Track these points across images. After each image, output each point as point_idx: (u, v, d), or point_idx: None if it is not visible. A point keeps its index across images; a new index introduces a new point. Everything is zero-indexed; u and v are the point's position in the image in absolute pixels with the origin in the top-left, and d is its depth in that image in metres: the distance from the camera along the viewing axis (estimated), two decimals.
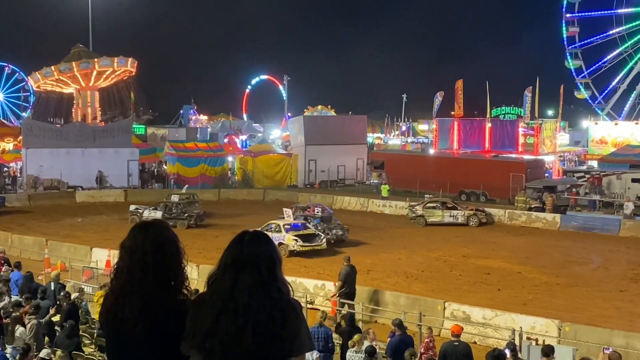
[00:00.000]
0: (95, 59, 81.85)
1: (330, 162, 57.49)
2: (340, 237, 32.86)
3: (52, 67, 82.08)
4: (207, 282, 2.89)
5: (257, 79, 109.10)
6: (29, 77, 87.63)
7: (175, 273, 3.17)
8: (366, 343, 13.12)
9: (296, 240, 29.43)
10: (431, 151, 63.24)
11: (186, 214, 37.83)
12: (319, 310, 20.70)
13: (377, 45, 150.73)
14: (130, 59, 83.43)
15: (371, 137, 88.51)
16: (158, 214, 36.71)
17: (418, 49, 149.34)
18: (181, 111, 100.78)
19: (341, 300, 19.63)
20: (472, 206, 41.81)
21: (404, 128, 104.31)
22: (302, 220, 32.44)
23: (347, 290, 20.01)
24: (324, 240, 30.28)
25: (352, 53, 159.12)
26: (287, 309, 2.80)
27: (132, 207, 39.10)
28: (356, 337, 13.34)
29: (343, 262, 21.13)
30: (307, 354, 3.05)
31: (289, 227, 30.56)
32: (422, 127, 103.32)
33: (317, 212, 34.91)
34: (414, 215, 39.63)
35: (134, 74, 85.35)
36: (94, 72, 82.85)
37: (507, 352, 12.88)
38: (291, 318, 2.79)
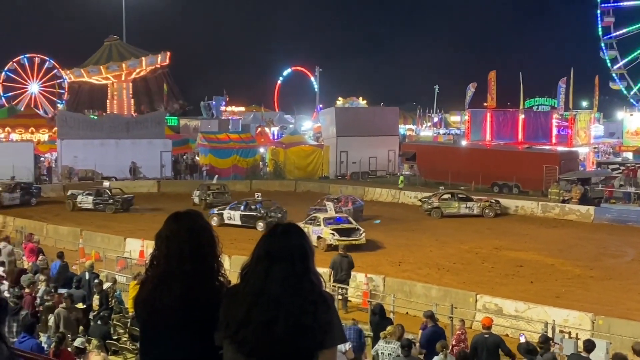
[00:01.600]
0: (123, 63, 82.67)
1: (362, 154, 57.35)
2: (279, 220, 33.44)
3: (82, 70, 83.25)
4: (241, 274, 2.91)
5: (288, 70, 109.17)
6: (66, 71, 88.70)
7: (211, 260, 3.23)
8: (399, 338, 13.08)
9: (333, 234, 29.05)
10: (463, 143, 62.79)
11: (112, 200, 40.39)
12: (350, 301, 20.87)
13: (409, 36, 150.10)
14: (160, 55, 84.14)
15: (403, 129, 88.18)
16: (90, 199, 40.47)
17: (451, 39, 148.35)
18: (214, 102, 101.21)
19: (337, 286, 19.96)
20: (486, 197, 41.48)
21: (436, 119, 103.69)
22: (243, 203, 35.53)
23: (337, 277, 20.34)
24: (363, 234, 29.79)
25: (385, 44, 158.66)
26: (319, 301, 2.81)
27: (69, 192, 42.36)
28: (390, 328, 13.30)
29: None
30: (340, 346, 3.05)
31: (330, 220, 30.36)
32: (454, 118, 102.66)
33: (349, 203, 34.96)
34: (429, 207, 39.41)
35: (167, 63, 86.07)
36: (124, 73, 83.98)
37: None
38: (323, 310, 2.80)
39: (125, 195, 41.51)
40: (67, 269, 18.57)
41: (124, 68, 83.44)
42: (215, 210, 35.88)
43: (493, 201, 39.95)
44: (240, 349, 2.78)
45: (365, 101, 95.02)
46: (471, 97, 71.27)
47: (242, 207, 35.38)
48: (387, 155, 59.79)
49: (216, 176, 47.27)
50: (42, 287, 15.94)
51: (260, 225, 33.80)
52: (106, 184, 43.50)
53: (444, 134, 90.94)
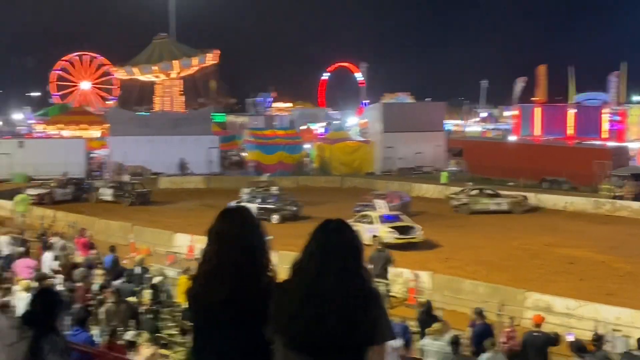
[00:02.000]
0: (176, 61, 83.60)
1: (408, 150, 57.05)
2: (294, 213, 35.24)
3: (133, 68, 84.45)
4: (292, 269, 2.94)
5: (334, 66, 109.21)
6: (115, 67, 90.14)
7: (261, 256, 3.27)
8: (447, 336, 12.99)
9: (392, 232, 28.05)
10: (512, 138, 62.04)
11: (128, 193, 41.76)
12: (397, 297, 20.78)
13: (456, 30, 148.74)
14: (209, 54, 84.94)
15: (449, 124, 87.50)
16: (109, 191, 42.36)
17: (498, 33, 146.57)
18: (259, 99, 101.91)
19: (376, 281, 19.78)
20: (515, 193, 40.85)
21: (483, 115, 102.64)
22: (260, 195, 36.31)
23: (375, 273, 20.03)
24: (420, 232, 28.92)
25: (431, 39, 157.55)
26: (369, 297, 2.83)
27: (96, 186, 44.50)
28: (437, 325, 13.22)
29: None
30: (391, 342, 3.05)
31: (382, 218, 29.52)
32: (502, 113, 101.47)
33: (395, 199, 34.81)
34: (457, 203, 38.96)
35: (216, 62, 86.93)
36: (175, 72, 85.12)
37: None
38: (373, 306, 2.81)
39: (142, 190, 42.90)
40: (117, 263, 18.88)
41: (176, 67, 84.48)
42: (234, 203, 36.02)
43: (522, 197, 39.34)
44: (291, 343, 2.81)
45: (411, 97, 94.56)
46: (520, 91, 70.41)
47: (259, 200, 35.77)
48: (434, 151, 59.39)
49: (267, 174, 47.00)
50: (98, 281, 16.31)
51: (275, 217, 34.38)
52: (126, 177, 45.43)
53: (492, 129, 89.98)
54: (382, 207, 31.52)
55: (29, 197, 34.34)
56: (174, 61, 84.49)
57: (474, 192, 39.58)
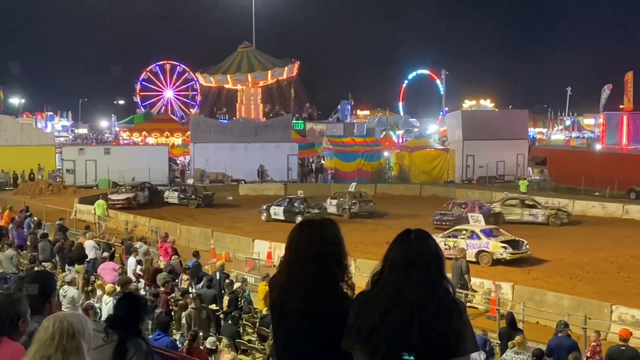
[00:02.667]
0: (249, 74, 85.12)
1: (489, 158, 56.12)
2: (317, 216, 33.91)
3: (212, 77, 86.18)
4: (372, 280, 2.92)
5: (414, 73, 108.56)
6: (197, 75, 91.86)
7: (336, 267, 3.26)
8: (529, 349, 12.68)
9: (505, 247, 26.70)
10: (598, 147, 60.26)
11: (194, 196, 43.43)
12: (477, 309, 20.44)
13: (539, 36, 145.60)
14: (286, 68, 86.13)
15: (533, 132, 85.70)
16: (175, 194, 44.26)
17: (584, 38, 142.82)
18: (339, 106, 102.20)
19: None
20: (555, 205, 39.45)
21: (568, 123, 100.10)
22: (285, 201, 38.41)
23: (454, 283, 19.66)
24: (527, 247, 27.71)
25: (513, 45, 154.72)
26: (453, 308, 2.79)
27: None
28: (518, 338, 12.94)
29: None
30: (474, 355, 2.99)
31: (486, 231, 27.90)
32: (587, 121, 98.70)
33: (475, 209, 34.25)
34: (490, 212, 38.10)
35: (294, 75, 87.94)
36: (250, 83, 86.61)
37: None
38: (457, 317, 2.77)
39: (206, 192, 44.45)
40: (200, 268, 19.21)
41: (249, 79, 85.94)
42: (264, 207, 38.29)
43: (561, 210, 37.90)
44: (372, 354, 2.78)
45: (493, 104, 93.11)
46: (606, 99, 68.32)
47: (285, 204, 37.77)
48: (516, 159, 58.24)
49: (354, 183, 46.07)
50: (184, 286, 16.69)
51: (298, 219, 34.16)
52: (189, 181, 48.04)
53: (577, 137, 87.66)
54: (479, 220, 29.49)
55: (106, 203, 35.25)
56: (247, 74, 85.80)
57: (512, 201, 38.26)
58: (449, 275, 18.23)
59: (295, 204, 37.34)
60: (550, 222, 36.64)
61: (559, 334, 13.72)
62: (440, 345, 2.71)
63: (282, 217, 36.71)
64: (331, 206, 39.66)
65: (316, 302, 3.14)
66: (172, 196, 44.46)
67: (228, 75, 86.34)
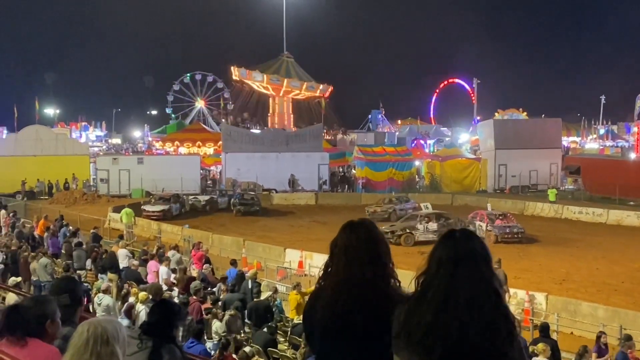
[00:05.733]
0: (285, 79, 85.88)
1: (522, 167, 55.61)
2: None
3: (247, 71, 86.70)
4: (417, 281, 2.87)
5: (445, 82, 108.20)
6: (232, 68, 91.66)
7: (388, 268, 3.31)
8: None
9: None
10: (633, 156, 59.39)
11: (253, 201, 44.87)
12: None
13: (572, 44, 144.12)
14: (321, 86, 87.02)
15: (566, 141, 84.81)
16: (225, 200, 46.56)
17: (618, 47, 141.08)
18: (369, 116, 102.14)
19: None
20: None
21: (602, 131, 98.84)
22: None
23: None
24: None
25: (546, 53, 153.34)
26: (506, 306, 2.76)
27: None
28: (541, 346, 12.77)
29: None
30: None
31: None
32: (622, 130, 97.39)
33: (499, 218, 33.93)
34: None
35: (326, 96, 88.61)
36: (282, 89, 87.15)
37: None
38: (509, 316, 2.74)
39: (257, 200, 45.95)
40: (244, 277, 19.11)
41: (284, 84, 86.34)
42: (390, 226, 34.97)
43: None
44: (426, 356, 2.70)
45: (525, 113, 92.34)
46: None
47: (425, 221, 34.16)
48: (549, 168, 57.65)
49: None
50: (222, 295, 16.79)
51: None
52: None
53: (611, 146, 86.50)
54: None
55: (133, 211, 35.55)
56: (283, 78, 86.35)
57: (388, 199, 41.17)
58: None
59: (442, 221, 33.86)
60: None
61: (598, 344, 13.53)
62: (498, 343, 2.65)
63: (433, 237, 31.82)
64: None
65: (372, 304, 3.19)
66: (223, 202, 46.09)
67: (265, 75, 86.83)
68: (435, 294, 2.75)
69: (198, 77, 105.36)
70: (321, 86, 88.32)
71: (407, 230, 33.35)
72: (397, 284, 3.30)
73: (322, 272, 3.45)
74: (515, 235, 33.52)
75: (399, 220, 36.42)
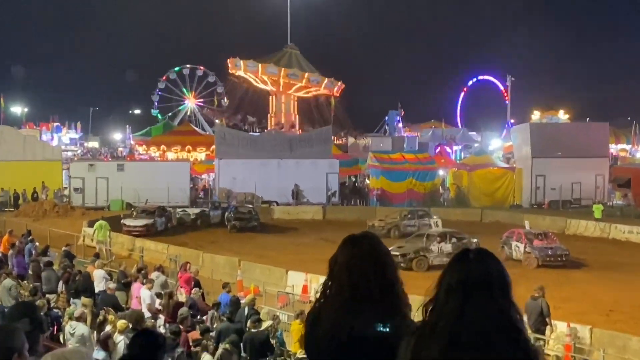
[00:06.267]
0: (283, 69, 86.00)
1: (562, 179, 55.42)
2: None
3: (260, 65, 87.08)
4: (424, 310, 2.88)
5: (474, 80, 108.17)
6: (228, 61, 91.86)
7: (397, 288, 3.37)
8: None
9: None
10: None
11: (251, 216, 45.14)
12: (549, 355, 20.10)
13: (624, 37, 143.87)
14: (326, 81, 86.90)
15: (614, 149, 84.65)
16: (217, 213, 46.56)
17: None
18: (386, 118, 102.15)
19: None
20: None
21: None
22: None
23: (530, 324, 19.10)
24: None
25: (592, 48, 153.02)
26: (526, 341, 2.75)
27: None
28: None
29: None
30: None
31: None
32: None
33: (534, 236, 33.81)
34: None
35: (336, 95, 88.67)
36: (298, 85, 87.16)
37: None
38: (530, 354, 2.72)
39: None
40: (238, 303, 19.07)
41: (281, 75, 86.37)
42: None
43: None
44: None
45: (567, 116, 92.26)
46: None
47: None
48: (595, 180, 57.48)
49: (413, 204, 45.85)
50: (216, 324, 16.79)
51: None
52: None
53: None
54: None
55: (107, 224, 35.61)
56: (280, 67, 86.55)
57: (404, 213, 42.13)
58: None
59: (455, 242, 33.69)
60: None
61: None
62: None
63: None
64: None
65: (379, 328, 3.23)
66: (215, 216, 46.11)
67: (260, 65, 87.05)
68: (443, 326, 2.76)
69: (186, 71, 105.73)
70: (327, 80, 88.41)
71: (420, 253, 32.95)
72: (408, 307, 3.33)
73: (319, 292, 3.47)
74: (559, 258, 33.13)
75: (405, 240, 36.10)
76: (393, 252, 31.02)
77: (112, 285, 20.41)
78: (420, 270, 31.72)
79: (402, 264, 30.86)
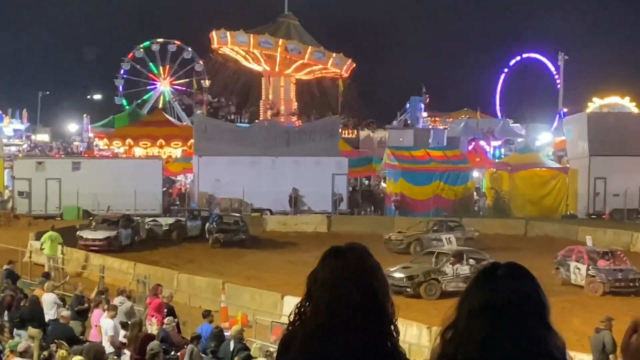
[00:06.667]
0: (280, 39, 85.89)
1: (629, 182, 55.28)
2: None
3: (251, 36, 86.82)
4: (442, 337, 2.89)
5: (517, 58, 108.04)
6: (211, 35, 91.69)
7: (389, 311, 3.32)
8: None
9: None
10: None
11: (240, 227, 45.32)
12: None
13: None
14: (334, 57, 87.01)
15: None
16: (197, 224, 46.83)
17: None
18: (407, 105, 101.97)
19: None
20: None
21: None
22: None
23: None
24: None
25: None
26: None
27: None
28: None
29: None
30: None
31: None
32: None
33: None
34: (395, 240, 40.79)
35: (345, 75, 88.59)
36: (299, 62, 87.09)
37: None
38: None
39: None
40: (223, 336, 19.07)
41: (279, 47, 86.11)
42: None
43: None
44: None
45: (634, 103, 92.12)
46: None
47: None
48: None
49: (441, 214, 45.67)
50: None
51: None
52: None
53: None
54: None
55: (59, 236, 35.61)
56: (277, 39, 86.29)
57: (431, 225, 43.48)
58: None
59: (473, 263, 33.46)
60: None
61: None
62: None
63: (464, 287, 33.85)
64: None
65: (362, 355, 3.20)
66: (193, 228, 46.38)
67: (252, 36, 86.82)
68: (464, 354, 2.77)
69: (156, 47, 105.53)
70: (334, 56, 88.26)
71: (432, 276, 32.43)
72: (397, 338, 3.31)
73: (293, 315, 3.43)
74: (631, 284, 32.33)
75: (411, 260, 35.70)
76: (397, 274, 31.68)
77: (65, 312, 20.38)
78: (430, 297, 31.55)
79: (408, 289, 30.98)
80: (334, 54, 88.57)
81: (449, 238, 39.67)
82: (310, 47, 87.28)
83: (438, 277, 32.37)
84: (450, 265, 32.84)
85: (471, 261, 33.17)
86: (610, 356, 19.99)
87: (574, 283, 33.27)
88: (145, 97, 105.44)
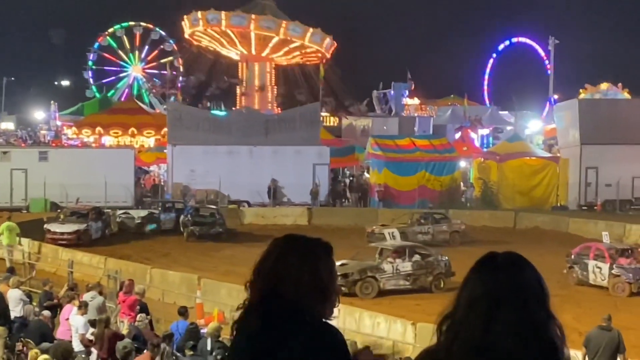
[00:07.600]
0: (253, 15, 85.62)
1: (621, 172, 55.49)
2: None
3: (222, 14, 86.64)
4: (439, 327, 2.92)
5: (506, 43, 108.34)
6: (183, 20, 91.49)
7: (333, 299, 3.50)
8: None
9: None
10: None
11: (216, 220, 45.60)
12: None
13: None
14: (312, 33, 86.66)
15: None
16: (171, 216, 46.97)
17: None
18: (391, 91, 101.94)
19: None
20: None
21: None
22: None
23: None
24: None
25: None
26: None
27: None
28: None
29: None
30: None
31: None
32: None
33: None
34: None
35: (327, 57, 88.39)
36: (275, 39, 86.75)
37: None
38: None
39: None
40: (198, 333, 19.06)
41: (252, 25, 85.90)
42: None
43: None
44: None
45: (627, 90, 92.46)
46: None
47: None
48: None
49: (427, 205, 46.12)
50: None
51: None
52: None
53: None
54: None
55: (17, 226, 35.62)
56: (249, 15, 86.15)
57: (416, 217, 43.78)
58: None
59: (417, 259, 33.24)
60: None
61: None
62: None
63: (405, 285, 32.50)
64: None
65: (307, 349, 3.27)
66: (168, 221, 46.32)
67: (223, 14, 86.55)
68: (463, 344, 2.79)
69: (120, 33, 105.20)
70: (312, 30, 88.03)
71: (368, 274, 31.54)
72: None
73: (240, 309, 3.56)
74: None
75: (352, 256, 34.96)
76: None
77: (46, 312, 20.29)
78: (366, 297, 30.75)
79: (343, 287, 29.42)
80: (312, 29, 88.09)
81: (392, 233, 39.71)
82: (284, 21, 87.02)
83: (375, 275, 31.54)
84: (390, 262, 32.13)
85: (416, 257, 32.65)
86: (620, 356, 19.98)
87: (592, 283, 32.33)
88: (118, 86, 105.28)
